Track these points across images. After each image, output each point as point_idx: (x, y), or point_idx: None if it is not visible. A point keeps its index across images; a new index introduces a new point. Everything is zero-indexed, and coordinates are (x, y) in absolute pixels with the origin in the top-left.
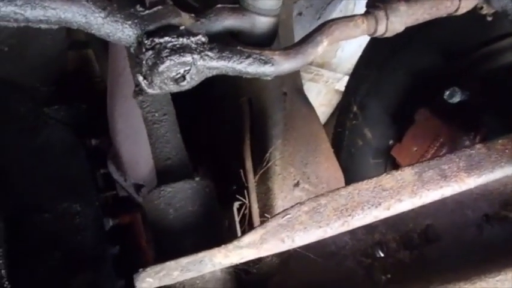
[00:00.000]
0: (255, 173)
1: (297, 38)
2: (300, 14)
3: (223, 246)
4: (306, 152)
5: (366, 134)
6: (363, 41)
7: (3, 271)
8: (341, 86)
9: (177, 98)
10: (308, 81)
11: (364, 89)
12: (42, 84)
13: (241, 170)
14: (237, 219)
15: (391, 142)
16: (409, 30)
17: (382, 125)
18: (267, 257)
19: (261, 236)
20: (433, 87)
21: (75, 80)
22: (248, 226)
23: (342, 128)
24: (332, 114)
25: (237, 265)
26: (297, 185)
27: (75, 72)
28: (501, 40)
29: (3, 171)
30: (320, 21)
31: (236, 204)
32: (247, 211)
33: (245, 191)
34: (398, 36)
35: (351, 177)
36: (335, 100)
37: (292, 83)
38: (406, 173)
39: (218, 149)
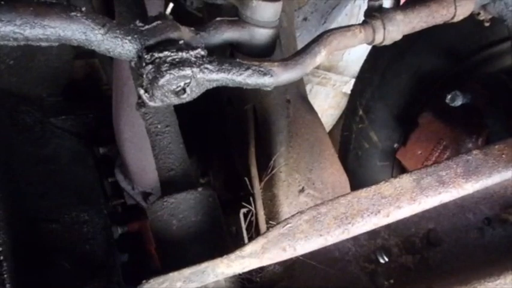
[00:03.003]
0: (260, 180)
1: (303, 44)
2: (305, 19)
3: (225, 256)
4: (311, 158)
5: (372, 137)
6: None
7: (8, 285)
8: (348, 88)
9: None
10: (316, 85)
11: (369, 93)
12: (49, 94)
13: (247, 177)
14: (243, 226)
15: (396, 145)
16: (412, 34)
17: (387, 128)
18: (270, 265)
19: (263, 245)
20: (436, 90)
21: (82, 89)
22: (255, 233)
23: (348, 131)
24: (340, 117)
25: (240, 274)
26: (302, 191)
27: (83, 81)
28: (502, 43)
29: (12, 181)
30: (326, 26)
31: (243, 211)
32: (253, 218)
33: (251, 198)
34: (401, 40)
35: (358, 179)
36: (343, 103)
37: (296, 90)
38: (405, 180)
39: (227, 154)
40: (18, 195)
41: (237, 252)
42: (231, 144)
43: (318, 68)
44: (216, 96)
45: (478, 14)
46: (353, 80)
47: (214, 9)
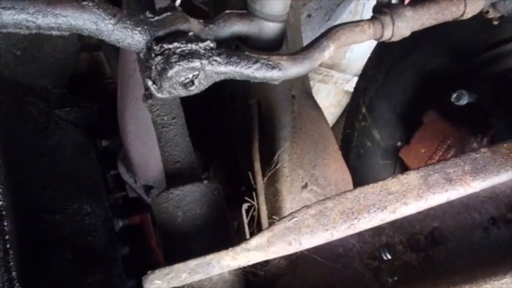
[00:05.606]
0: (263, 175)
1: (306, 41)
2: (309, 16)
3: (231, 248)
4: (314, 154)
5: (374, 135)
6: (372, 42)
7: (14, 273)
8: (350, 87)
9: (189, 98)
10: (318, 83)
11: (373, 91)
12: (54, 86)
13: (250, 172)
14: (245, 220)
15: (399, 144)
16: (418, 32)
17: (390, 127)
18: (275, 259)
19: (268, 238)
20: (441, 89)
21: (86, 82)
22: (257, 228)
23: (351, 129)
24: (341, 115)
25: (244, 267)
26: (305, 186)
27: (87, 74)
28: (509, 42)
29: (15, 172)
30: (329, 23)
31: (245, 206)
32: (255, 213)
33: (253, 193)
34: (407, 37)
35: (360, 178)
36: (344, 101)
37: (301, 86)
38: (412, 177)
39: (228, 149)
40: (21, 185)
41: (243, 245)
42: (234, 139)
43: (320, 65)
44: (218, 91)
45: (487, 12)
46: (355, 79)
47: (220, 3)
